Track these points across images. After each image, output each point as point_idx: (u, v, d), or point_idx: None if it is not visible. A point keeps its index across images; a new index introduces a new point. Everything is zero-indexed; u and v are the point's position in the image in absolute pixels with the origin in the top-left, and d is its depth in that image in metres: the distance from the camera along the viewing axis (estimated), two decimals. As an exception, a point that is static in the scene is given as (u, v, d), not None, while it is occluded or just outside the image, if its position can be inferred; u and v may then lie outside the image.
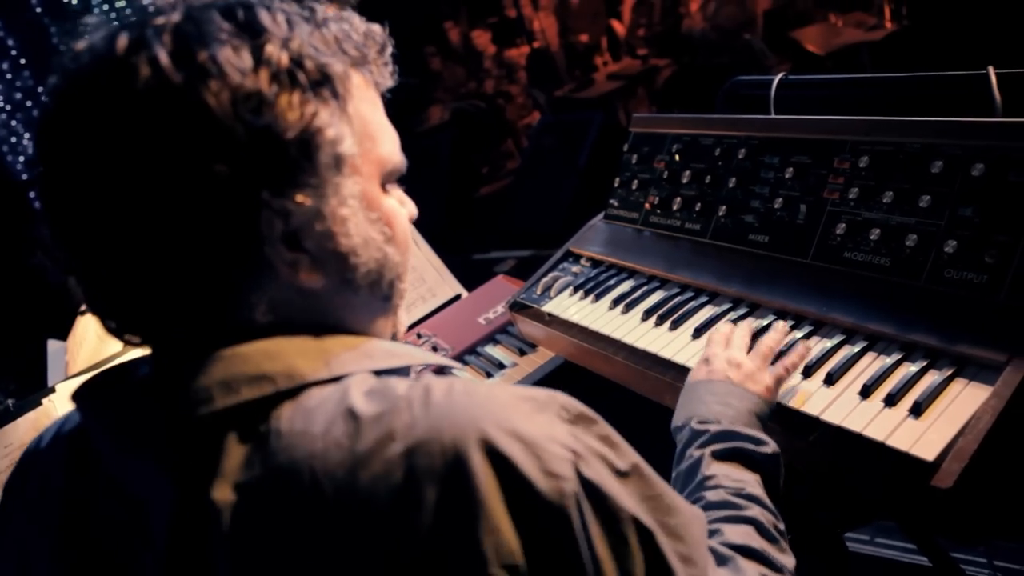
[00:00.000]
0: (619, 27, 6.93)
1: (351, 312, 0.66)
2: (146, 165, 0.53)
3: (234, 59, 0.54)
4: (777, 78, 1.46)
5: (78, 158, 0.55)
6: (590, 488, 0.54)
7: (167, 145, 0.53)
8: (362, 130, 0.63)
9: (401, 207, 0.70)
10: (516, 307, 1.58)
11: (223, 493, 0.53)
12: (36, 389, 1.57)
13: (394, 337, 0.72)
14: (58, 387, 1.53)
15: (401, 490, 0.50)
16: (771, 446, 0.89)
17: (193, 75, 0.53)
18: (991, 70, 1.14)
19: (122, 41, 0.55)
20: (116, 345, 1.70)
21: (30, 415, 1.49)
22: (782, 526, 0.82)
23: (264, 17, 0.57)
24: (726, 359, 1.00)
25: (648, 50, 6.24)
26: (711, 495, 0.82)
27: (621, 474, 0.57)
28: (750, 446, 0.88)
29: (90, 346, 1.84)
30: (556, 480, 0.52)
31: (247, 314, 0.60)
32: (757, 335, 1.12)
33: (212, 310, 0.59)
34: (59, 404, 1.50)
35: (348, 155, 0.61)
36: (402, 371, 0.65)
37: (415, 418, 0.53)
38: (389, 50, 0.67)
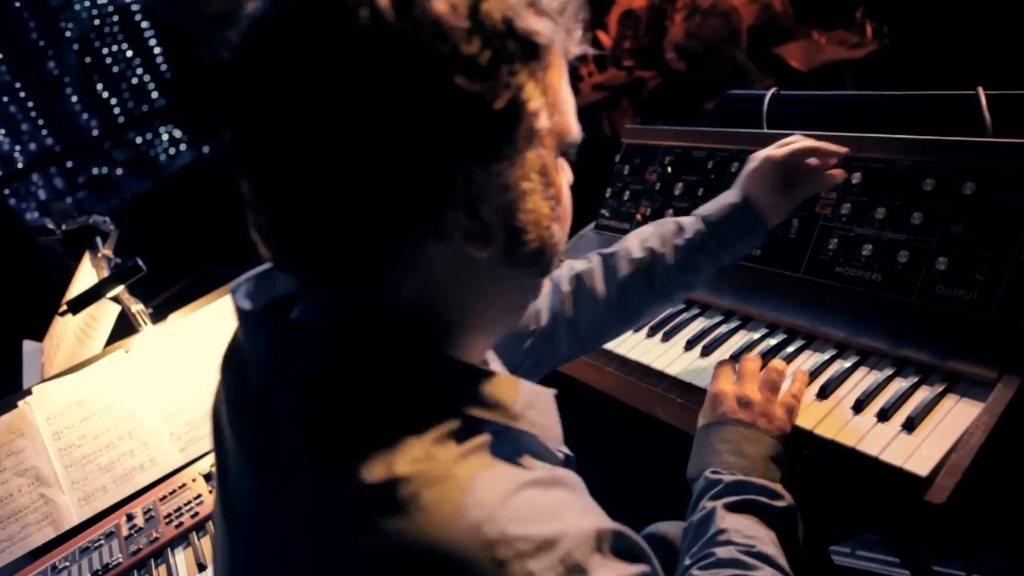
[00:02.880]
0: (604, 38, 6.98)
1: (500, 286, 0.63)
2: (352, 109, 0.52)
3: (451, 17, 0.53)
4: (769, 93, 1.47)
5: (288, 90, 0.53)
6: None
7: (374, 93, 0.52)
8: (553, 100, 0.60)
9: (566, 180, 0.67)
10: (505, 315, 1.57)
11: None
12: (11, 391, 1.52)
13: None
14: (34, 389, 1.48)
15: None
16: (786, 499, 0.88)
17: (411, 27, 0.52)
18: (980, 91, 1.16)
19: None
20: (96, 347, 1.66)
21: (4, 418, 1.44)
22: None
23: None
24: (736, 397, 0.98)
25: (633, 62, 6.29)
26: (721, 551, 0.81)
27: None
28: (764, 499, 0.87)
29: (68, 347, 1.79)
30: None
31: (397, 289, 0.59)
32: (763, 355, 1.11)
33: (375, 257, 0.57)
34: (35, 406, 1.45)
35: (541, 128, 0.59)
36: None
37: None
38: (583, 16, 0.64)
